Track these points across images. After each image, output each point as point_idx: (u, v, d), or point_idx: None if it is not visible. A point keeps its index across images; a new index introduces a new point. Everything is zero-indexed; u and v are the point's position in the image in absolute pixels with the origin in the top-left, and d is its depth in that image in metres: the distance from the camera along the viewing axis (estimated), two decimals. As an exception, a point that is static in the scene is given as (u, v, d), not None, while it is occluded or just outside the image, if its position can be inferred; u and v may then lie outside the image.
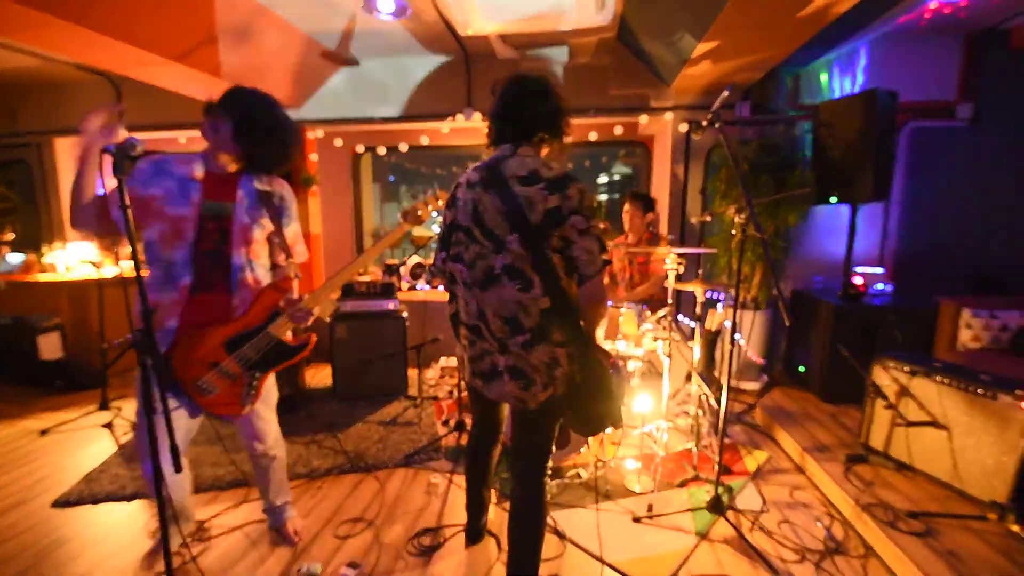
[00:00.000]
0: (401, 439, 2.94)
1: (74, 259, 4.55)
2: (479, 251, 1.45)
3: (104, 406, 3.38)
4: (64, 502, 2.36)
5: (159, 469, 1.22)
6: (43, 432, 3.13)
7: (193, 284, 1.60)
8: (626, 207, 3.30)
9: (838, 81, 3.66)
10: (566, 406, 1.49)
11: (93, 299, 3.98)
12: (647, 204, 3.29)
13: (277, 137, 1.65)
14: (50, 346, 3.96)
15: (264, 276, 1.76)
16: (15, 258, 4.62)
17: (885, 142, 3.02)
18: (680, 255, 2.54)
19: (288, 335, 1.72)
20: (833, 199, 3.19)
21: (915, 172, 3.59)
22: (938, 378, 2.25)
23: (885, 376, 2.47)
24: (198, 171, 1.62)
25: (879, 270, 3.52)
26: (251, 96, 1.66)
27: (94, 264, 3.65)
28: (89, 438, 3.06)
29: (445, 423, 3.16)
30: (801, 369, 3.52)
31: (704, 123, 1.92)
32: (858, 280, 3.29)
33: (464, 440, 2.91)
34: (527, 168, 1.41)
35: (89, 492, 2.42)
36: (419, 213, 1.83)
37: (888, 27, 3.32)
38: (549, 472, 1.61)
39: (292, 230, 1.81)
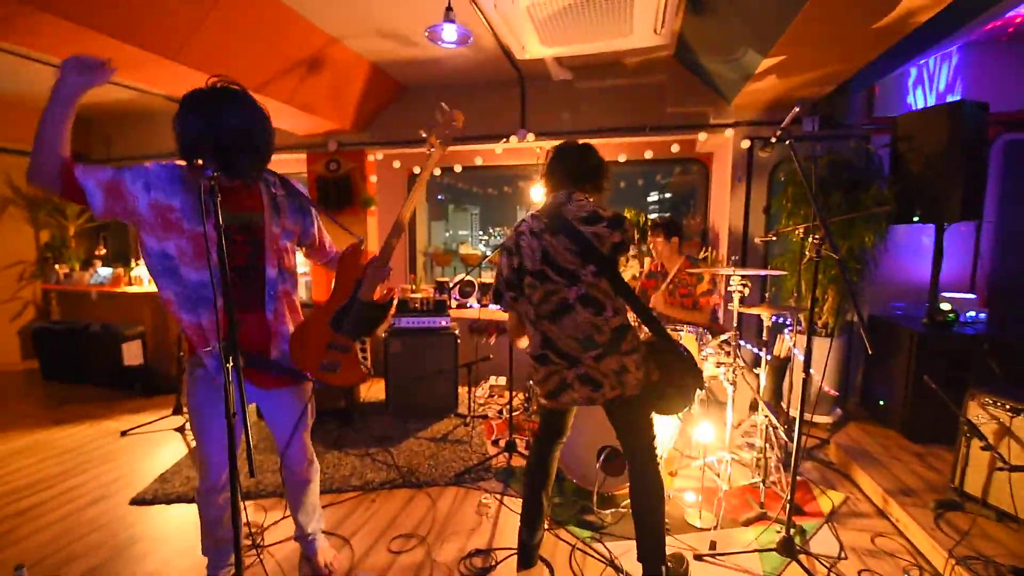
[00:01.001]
0: (452, 457, 2.94)
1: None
2: (551, 288, 1.68)
3: (178, 410, 3.61)
4: (140, 500, 2.51)
5: (235, 470, 1.24)
6: (123, 433, 3.37)
7: (230, 303, 1.52)
8: (650, 235, 3.13)
9: (918, 92, 3.43)
10: (643, 399, 1.70)
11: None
12: (669, 230, 3.07)
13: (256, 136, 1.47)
14: (132, 353, 4.29)
15: (293, 286, 1.72)
16: (105, 271, 5.09)
17: (975, 157, 2.78)
18: (744, 276, 2.42)
19: (374, 295, 1.72)
20: (916, 218, 2.96)
21: (1010, 189, 3.28)
22: (1049, 419, 1.99)
23: (982, 414, 2.22)
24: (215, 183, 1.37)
25: (970, 296, 3.21)
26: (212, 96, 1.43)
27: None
28: (164, 440, 3.26)
29: (496, 443, 3.13)
30: (881, 403, 3.23)
31: (773, 139, 1.84)
32: (946, 306, 3.00)
33: (514, 461, 2.87)
34: (586, 210, 1.67)
35: (163, 492, 2.56)
36: (446, 132, 1.79)
37: (972, 36, 3.10)
38: (659, 454, 1.84)
39: (319, 232, 1.79)
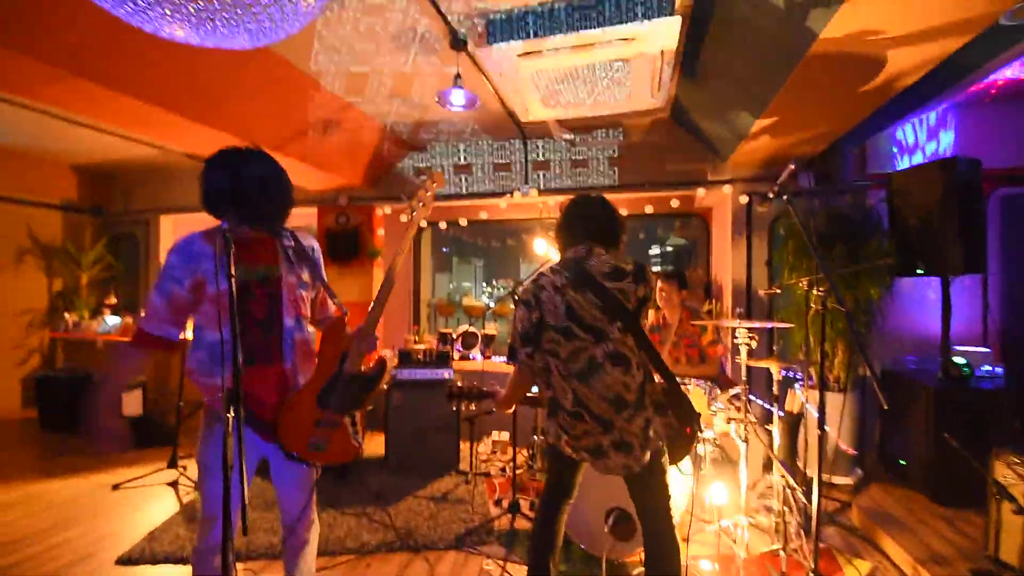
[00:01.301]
0: (452, 517, 2.80)
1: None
2: (578, 345, 1.64)
3: (173, 464, 3.51)
4: (127, 560, 2.39)
5: (229, 523, 1.19)
6: (115, 487, 3.26)
7: (251, 358, 1.56)
8: (660, 286, 3.16)
9: (908, 149, 3.54)
10: (665, 450, 1.68)
11: (175, 360, 4.29)
12: (682, 281, 3.15)
13: (275, 192, 1.58)
14: (133, 403, 4.23)
15: (308, 334, 1.73)
16: (113, 320, 5.13)
17: (971, 211, 2.83)
18: (751, 329, 2.40)
19: (360, 367, 1.69)
20: (920, 271, 2.96)
21: (1012, 242, 3.30)
22: (1082, 480, 1.89)
23: (1010, 474, 2.11)
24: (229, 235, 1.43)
25: (984, 349, 3.15)
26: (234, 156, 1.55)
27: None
28: (156, 495, 3.15)
29: (498, 503, 2.99)
30: (902, 462, 3.09)
31: (770, 195, 1.89)
32: (961, 360, 2.94)
33: (518, 523, 2.72)
34: (608, 265, 1.66)
35: (150, 551, 2.44)
36: (427, 194, 1.88)
37: (958, 97, 3.24)
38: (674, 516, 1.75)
39: (324, 279, 1.78)
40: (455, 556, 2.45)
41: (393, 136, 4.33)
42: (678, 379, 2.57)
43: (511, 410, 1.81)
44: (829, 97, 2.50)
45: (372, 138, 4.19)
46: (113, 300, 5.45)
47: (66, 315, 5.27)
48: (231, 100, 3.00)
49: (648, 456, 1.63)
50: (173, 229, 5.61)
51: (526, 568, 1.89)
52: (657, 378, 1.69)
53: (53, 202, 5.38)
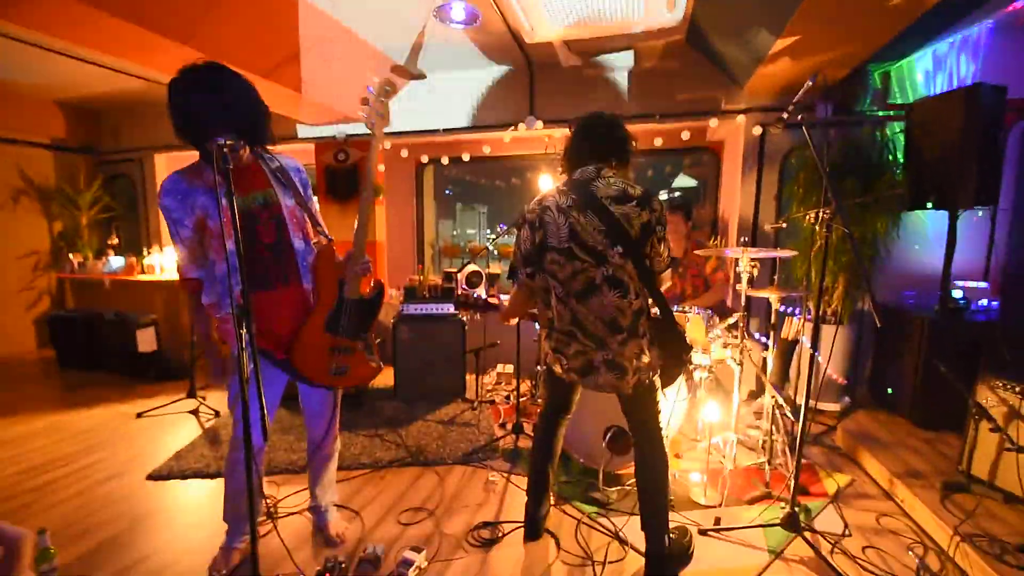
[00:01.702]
0: (460, 438, 2.97)
1: (170, 262, 5.02)
2: (579, 267, 1.66)
3: (192, 394, 3.67)
4: (156, 476, 2.57)
5: (249, 435, 1.28)
6: (138, 415, 3.44)
7: (265, 282, 1.60)
8: (668, 218, 3.18)
9: (935, 77, 3.38)
10: (655, 379, 1.75)
11: (184, 297, 4.37)
12: (687, 212, 3.19)
13: (252, 105, 1.55)
14: (147, 339, 4.36)
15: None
16: (118, 261, 5.17)
17: (990, 141, 2.75)
18: (754, 258, 2.42)
19: (359, 292, 1.76)
20: (929, 204, 2.93)
21: (1026, 176, 3.23)
22: (1059, 400, 1.98)
23: (992, 397, 2.21)
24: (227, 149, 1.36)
25: (983, 284, 3.18)
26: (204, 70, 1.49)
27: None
28: (178, 422, 3.33)
29: (503, 425, 3.16)
30: (890, 391, 3.22)
31: (785, 115, 1.84)
32: (958, 294, 2.98)
33: (521, 442, 2.89)
34: (616, 188, 1.64)
35: (178, 468, 2.62)
36: (382, 103, 1.77)
37: (994, 17, 3.04)
38: (665, 434, 1.93)
39: (314, 203, 1.79)
40: (463, 469, 2.63)
41: (390, 63, 4.14)
42: (681, 308, 2.66)
43: (513, 322, 1.88)
44: (855, 11, 2.34)
45: (368, 64, 4.01)
46: (115, 240, 5.47)
47: (71, 256, 5.31)
48: (217, 21, 2.85)
49: (637, 380, 1.69)
50: (167, 167, 5.50)
51: (527, 476, 2.03)
52: (654, 310, 1.72)
53: (43, 141, 5.25)
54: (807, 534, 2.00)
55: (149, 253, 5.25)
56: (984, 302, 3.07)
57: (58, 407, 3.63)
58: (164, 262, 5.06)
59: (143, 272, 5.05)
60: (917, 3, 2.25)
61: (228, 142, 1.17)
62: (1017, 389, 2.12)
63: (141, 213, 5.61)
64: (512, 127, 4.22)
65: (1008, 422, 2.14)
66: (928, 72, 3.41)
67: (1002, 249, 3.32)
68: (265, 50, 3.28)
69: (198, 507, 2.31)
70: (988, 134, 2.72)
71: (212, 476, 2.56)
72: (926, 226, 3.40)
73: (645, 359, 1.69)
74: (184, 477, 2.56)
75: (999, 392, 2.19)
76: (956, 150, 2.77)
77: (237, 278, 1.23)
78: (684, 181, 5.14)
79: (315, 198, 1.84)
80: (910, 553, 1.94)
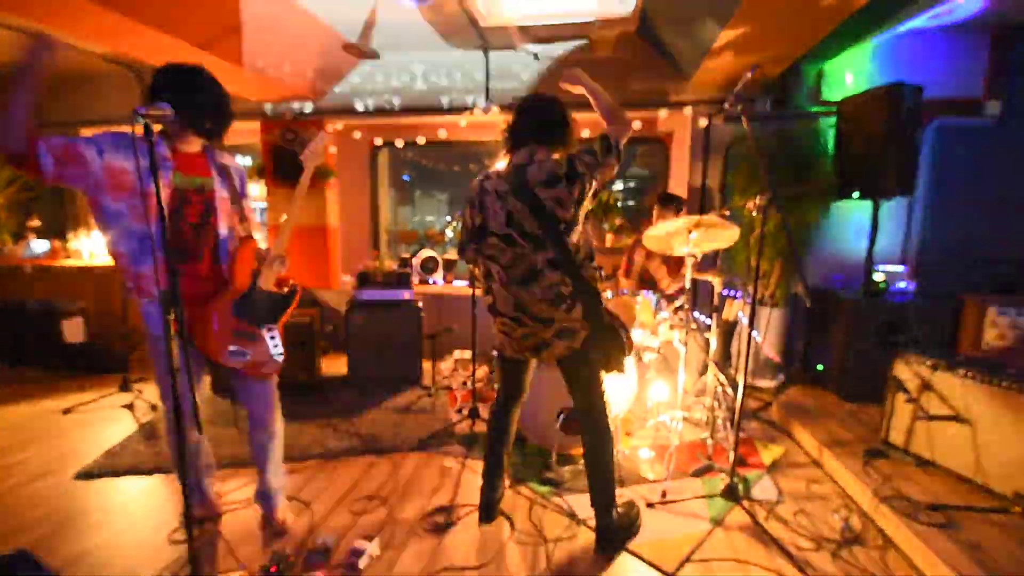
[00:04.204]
0: (415, 425, 2.95)
1: (99, 245, 4.66)
2: (519, 252, 1.68)
3: (125, 387, 3.45)
4: (86, 474, 2.41)
5: (182, 426, 1.24)
6: (66, 411, 3.20)
7: (182, 255, 1.70)
8: (657, 210, 3.24)
9: (861, 76, 3.61)
10: (592, 354, 1.77)
11: (117, 284, 4.08)
12: (679, 205, 3.25)
13: (219, 108, 1.72)
14: (74, 330, 4.05)
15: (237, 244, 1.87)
16: (40, 245, 4.75)
17: (910, 137, 2.98)
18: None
19: (273, 286, 1.87)
20: (856, 194, 3.15)
21: (940, 170, 3.52)
22: (962, 372, 2.20)
23: (907, 371, 2.42)
24: (165, 150, 1.65)
25: (901, 268, 3.46)
26: (184, 73, 1.65)
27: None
28: (110, 417, 3.12)
29: (459, 411, 3.17)
30: (819, 367, 3.46)
31: (727, 105, 1.92)
32: (879, 276, 3.23)
33: (477, 427, 2.92)
34: (545, 172, 1.65)
35: (110, 466, 2.47)
36: (319, 146, 1.94)
37: (913, 21, 3.28)
38: (614, 414, 1.96)
39: (247, 202, 1.91)
40: (418, 456, 2.62)
41: (341, 40, 3.97)
42: (631, 293, 2.75)
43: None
44: (791, 8, 2.48)
45: (317, 41, 3.84)
46: (36, 222, 5.00)
47: (-16, 240, 4.83)
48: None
49: (585, 335, 1.73)
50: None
51: (483, 460, 2.06)
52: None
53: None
54: (745, 503, 2.14)
55: (75, 236, 4.85)
56: (903, 284, 3.35)
57: (-24, 404, 3.33)
58: (92, 247, 4.69)
59: (68, 257, 4.67)
60: (844, 5, 2.39)
61: (150, 115, 1.23)
62: (929, 363, 2.34)
63: (66, 192, 5.15)
64: (468, 111, 4.17)
65: (921, 393, 2.35)
66: (855, 71, 3.64)
67: (917, 234, 3.63)
68: (202, 20, 3.06)
69: (132, 506, 2.19)
70: (907, 130, 2.95)
71: (148, 472, 2.42)
72: (853, 214, 3.65)
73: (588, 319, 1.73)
74: (117, 475, 2.41)
75: (913, 366, 2.40)
76: (880, 144, 2.99)
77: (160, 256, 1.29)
78: (636, 171, 5.26)
79: (249, 197, 1.95)
80: (835, 516, 2.11)
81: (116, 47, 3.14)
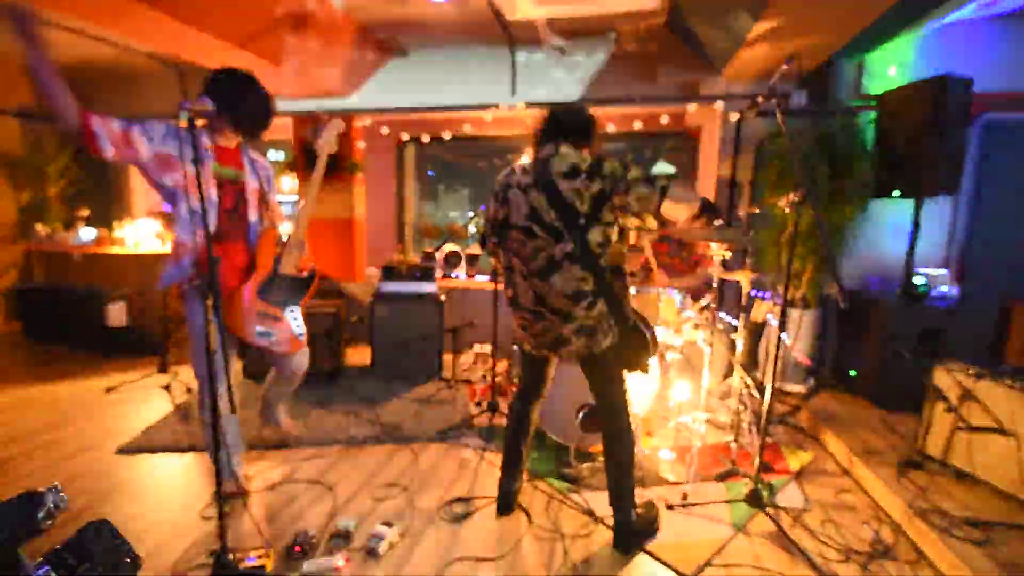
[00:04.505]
0: (435, 416, 2.99)
1: (142, 234, 4.88)
2: (539, 244, 1.69)
3: (163, 369, 3.61)
4: (126, 450, 2.54)
5: (215, 404, 1.30)
6: (108, 390, 3.37)
7: (218, 233, 1.85)
8: (691, 218, 3.17)
9: (904, 69, 3.44)
10: (617, 348, 1.76)
11: (157, 271, 4.26)
12: (716, 215, 3.14)
13: (263, 113, 1.94)
14: (117, 314, 4.25)
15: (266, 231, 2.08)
16: (88, 233, 4.99)
17: (956, 132, 2.83)
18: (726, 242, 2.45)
19: (293, 269, 2.06)
20: (896, 192, 3.01)
21: (988, 167, 3.33)
22: (1007, 382, 2.08)
23: (947, 379, 2.31)
24: (207, 141, 1.84)
25: (943, 271, 3.30)
26: (236, 80, 1.87)
27: (161, 238, 3.91)
28: (150, 397, 3.27)
29: (478, 404, 3.19)
30: (852, 373, 3.34)
31: (760, 99, 1.86)
32: (919, 279, 3.08)
33: (496, 421, 2.93)
34: (567, 164, 1.66)
35: (148, 443, 2.59)
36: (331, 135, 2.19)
37: (961, 11, 3.10)
38: (635, 413, 2.03)
39: (273, 195, 2.10)
40: (437, 446, 2.66)
41: (372, 39, 4.04)
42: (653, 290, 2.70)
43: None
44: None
45: (349, 39, 3.91)
46: (85, 212, 5.27)
47: (38, 227, 5.11)
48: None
49: (608, 341, 1.72)
50: (140, 138, 5.30)
51: (502, 452, 2.07)
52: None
53: (10, 108, 5.01)
54: (769, 510, 2.09)
55: (120, 225, 5.08)
56: (945, 288, 3.19)
57: (25, 380, 3.54)
58: (136, 235, 4.91)
59: (113, 244, 4.90)
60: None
61: (194, 109, 1.41)
62: (972, 372, 2.22)
63: (112, 185, 5.41)
64: (493, 107, 4.17)
65: (962, 403, 2.24)
66: (898, 63, 3.47)
67: (962, 236, 3.44)
68: (242, 19, 3.16)
69: (167, 482, 2.29)
70: (953, 125, 2.79)
71: (183, 451, 2.53)
72: (892, 214, 3.49)
73: (612, 320, 1.72)
74: (154, 452, 2.53)
75: (955, 375, 2.29)
76: (923, 140, 2.84)
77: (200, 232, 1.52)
78: (663, 167, 5.15)
79: (275, 191, 2.16)
80: (866, 527, 2.03)
81: (159, 46, 3.27)
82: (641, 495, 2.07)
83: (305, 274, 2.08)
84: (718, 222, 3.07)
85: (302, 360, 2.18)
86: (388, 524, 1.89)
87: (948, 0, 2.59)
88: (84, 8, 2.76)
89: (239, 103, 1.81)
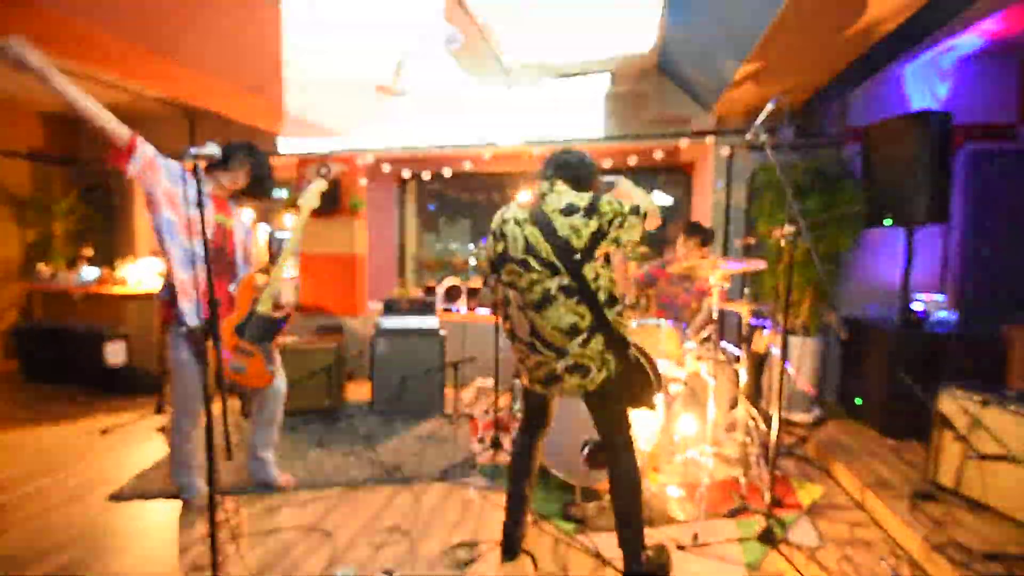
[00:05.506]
0: (437, 454, 2.93)
1: (144, 273, 4.90)
2: (535, 278, 1.71)
3: (159, 410, 3.56)
4: (119, 496, 2.47)
5: (212, 455, 1.29)
6: (103, 432, 3.31)
7: (210, 271, 1.99)
8: (682, 239, 3.18)
9: (888, 102, 3.57)
10: (618, 389, 1.76)
11: (156, 311, 4.25)
12: (705, 238, 3.15)
13: (270, 182, 2.32)
14: (116, 352, 4.22)
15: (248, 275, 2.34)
16: (90, 272, 5.01)
17: (940, 163, 2.91)
18: (726, 273, 2.48)
19: (269, 311, 2.27)
20: (887, 221, 3.06)
21: (975, 195, 3.41)
22: (1013, 408, 2.07)
23: (953, 405, 2.29)
24: (207, 188, 2.10)
25: (940, 297, 3.32)
26: (258, 152, 2.26)
27: (163, 276, 3.91)
28: (145, 439, 3.21)
29: (481, 440, 3.13)
30: (858, 401, 3.30)
31: (748, 135, 1.92)
32: (917, 306, 3.10)
33: (499, 458, 2.87)
34: (564, 201, 1.70)
35: (141, 488, 2.52)
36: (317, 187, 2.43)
37: (940, 48, 3.25)
38: (641, 449, 2.05)
39: (252, 244, 2.39)
40: (440, 487, 2.59)
41: (374, 83, 4.17)
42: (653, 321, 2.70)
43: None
44: (812, 42, 2.49)
45: (351, 85, 4.04)
46: (89, 252, 5.31)
47: (41, 266, 5.14)
48: (201, 35, 2.84)
49: (603, 376, 1.71)
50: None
51: (506, 494, 2.01)
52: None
53: (20, 150, 5.13)
54: (783, 547, 2.02)
55: (123, 264, 5.11)
56: (943, 314, 3.20)
57: (18, 423, 3.48)
58: (138, 274, 4.93)
59: (115, 284, 4.91)
60: (869, 33, 2.39)
61: (200, 155, 1.53)
62: (977, 398, 2.21)
63: (117, 224, 5.49)
64: (492, 144, 4.28)
65: (970, 431, 2.21)
66: (882, 97, 3.60)
67: (956, 263, 3.48)
68: (248, 65, 3.28)
69: (162, 530, 2.22)
70: (938, 157, 2.88)
71: (176, 496, 2.46)
72: (884, 241, 3.54)
73: (609, 355, 1.71)
74: (146, 498, 2.46)
75: (960, 401, 2.27)
76: (909, 171, 2.92)
77: (203, 276, 1.67)
78: (661, 198, 5.25)
79: (254, 240, 2.46)
80: (883, 563, 1.97)
81: (174, 92, 3.38)
82: (650, 535, 2.00)
83: (279, 316, 2.31)
84: (709, 244, 3.13)
85: (279, 385, 2.37)
86: (389, 573, 1.82)
87: (925, 39, 2.71)
88: (94, 56, 2.86)
89: (258, 174, 2.22)
